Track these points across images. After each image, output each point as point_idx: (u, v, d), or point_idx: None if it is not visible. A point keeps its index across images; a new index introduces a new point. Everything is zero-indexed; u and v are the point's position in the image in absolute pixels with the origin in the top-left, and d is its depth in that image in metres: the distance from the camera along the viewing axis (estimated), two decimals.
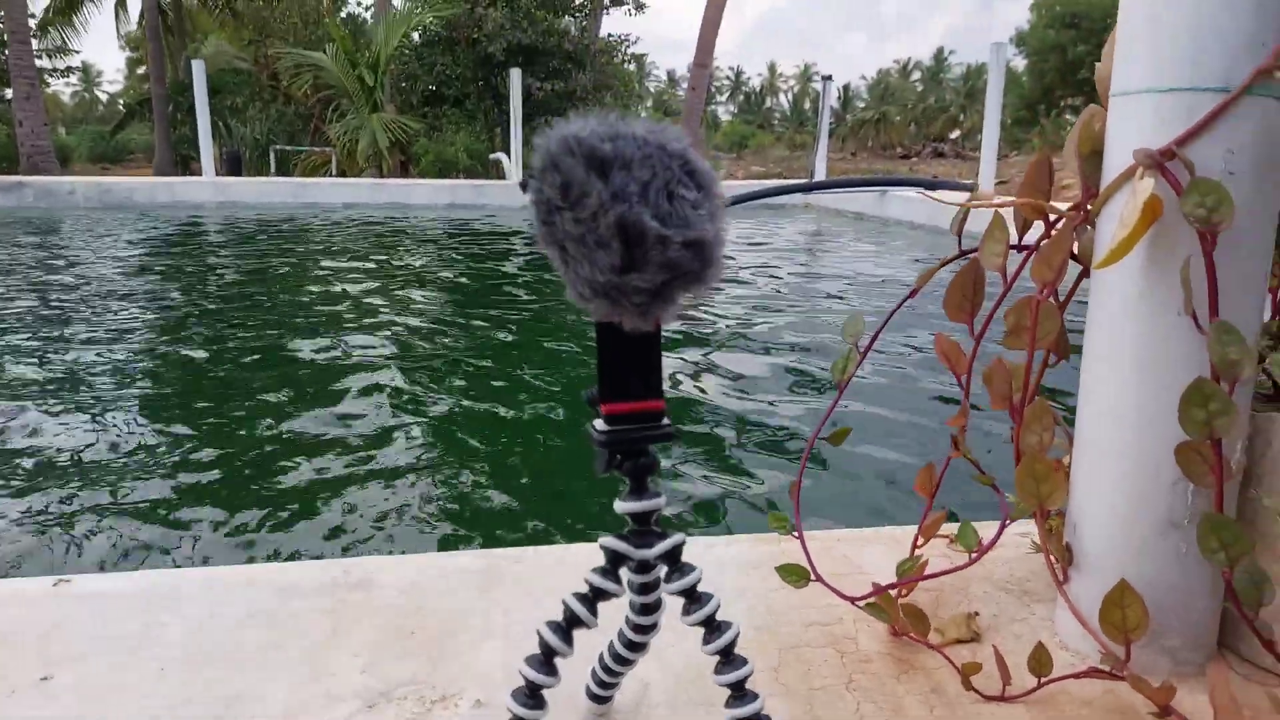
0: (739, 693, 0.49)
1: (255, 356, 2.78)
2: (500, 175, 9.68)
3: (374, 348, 2.89)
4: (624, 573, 0.50)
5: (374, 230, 6.81)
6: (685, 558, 0.50)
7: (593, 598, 0.49)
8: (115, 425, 2.08)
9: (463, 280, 4.54)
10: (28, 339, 2.94)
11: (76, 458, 1.86)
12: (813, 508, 1.62)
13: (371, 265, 4.90)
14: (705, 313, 3.50)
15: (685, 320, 3.31)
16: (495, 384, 2.52)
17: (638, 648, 0.56)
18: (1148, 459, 0.63)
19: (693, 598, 0.49)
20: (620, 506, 0.49)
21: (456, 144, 11.85)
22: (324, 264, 4.96)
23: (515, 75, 9.09)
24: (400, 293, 3.98)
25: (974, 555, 0.71)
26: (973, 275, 0.73)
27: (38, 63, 13.04)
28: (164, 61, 16.82)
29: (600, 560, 0.50)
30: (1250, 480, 0.66)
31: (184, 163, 17.46)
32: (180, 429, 2.07)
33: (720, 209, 0.40)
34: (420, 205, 8.68)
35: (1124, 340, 0.64)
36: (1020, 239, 0.74)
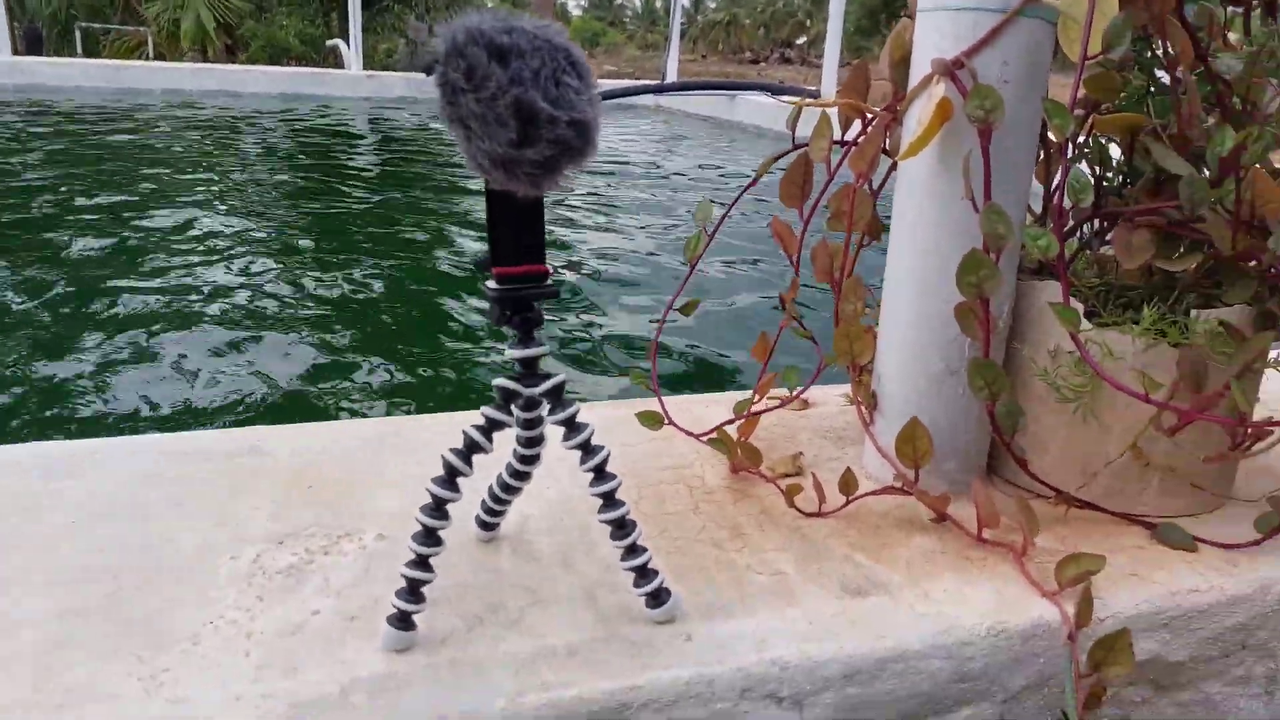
0: (610, 501, 0.60)
1: (100, 248, 2.63)
2: (338, 63, 9.14)
3: (223, 236, 2.79)
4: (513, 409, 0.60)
5: (204, 120, 6.36)
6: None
7: (488, 428, 0.58)
8: None
9: (305, 171, 4.36)
10: None
11: None
12: (669, 378, 1.77)
13: (208, 156, 4.62)
14: (574, 204, 3.56)
15: (560, 203, 3.36)
16: (349, 268, 2.51)
17: (523, 476, 0.66)
18: (934, 318, 0.78)
19: (571, 426, 0.59)
20: (510, 353, 0.58)
21: (288, 28, 11.04)
22: (154, 155, 4.62)
23: None
24: (242, 184, 3.80)
25: (795, 393, 0.85)
26: (802, 166, 0.84)
27: None
28: None
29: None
30: (1015, 336, 0.82)
31: (18, 44, 15.37)
32: (40, 319, 1.97)
33: (597, 97, 0.49)
34: (254, 94, 8.12)
35: (919, 220, 0.77)
36: (843, 135, 0.85)
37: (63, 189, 3.56)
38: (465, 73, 0.44)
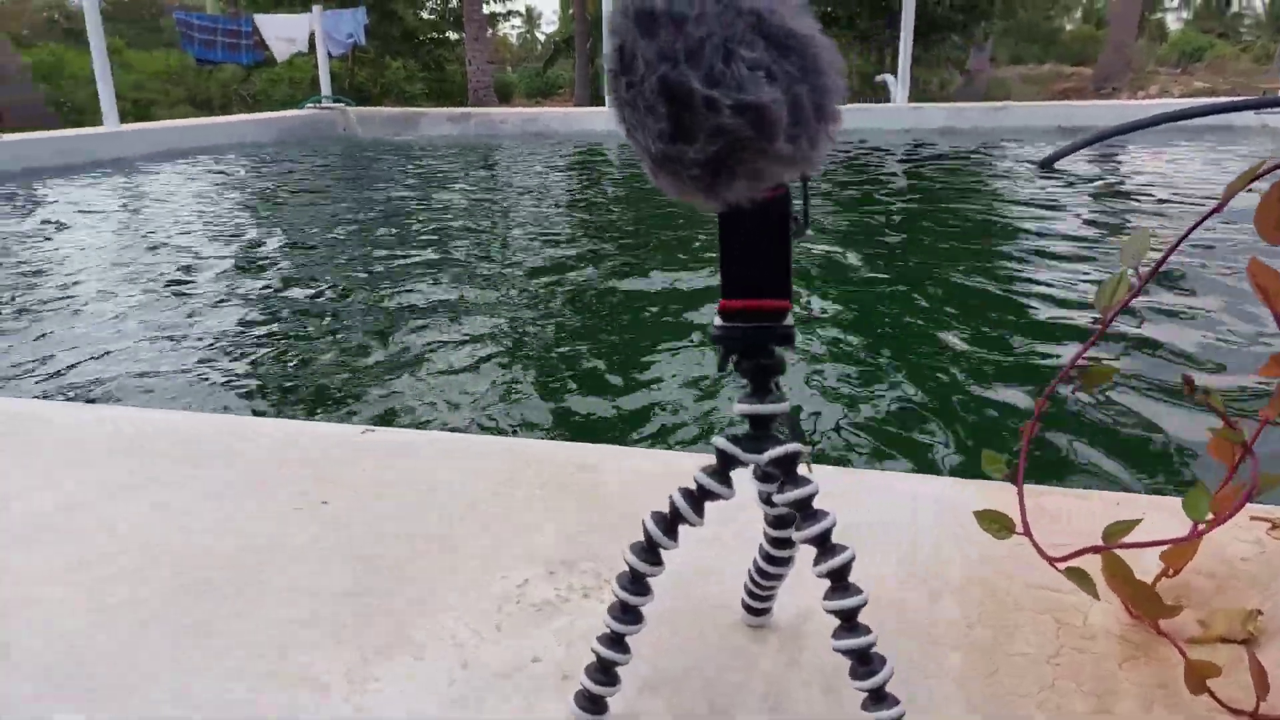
0: (849, 623, 0.45)
1: (630, 266, 3.01)
2: (886, 97, 9.26)
3: None
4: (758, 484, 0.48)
5: None
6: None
7: (699, 496, 0.47)
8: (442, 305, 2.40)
9: (839, 204, 4.47)
10: (466, 234, 3.48)
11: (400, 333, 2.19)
12: (1050, 464, 1.39)
13: None
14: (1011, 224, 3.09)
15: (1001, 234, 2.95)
16: (878, 301, 2.46)
17: (778, 562, 0.54)
18: None
19: (806, 512, 0.45)
20: (737, 408, 0.46)
21: (844, 66, 11.53)
22: None
23: None
24: None
25: (1199, 528, 0.56)
26: None
27: (486, 8, 14.93)
28: None
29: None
30: None
31: (601, 96, 19.10)
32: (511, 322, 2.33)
33: (811, 73, 0.35)
34: None
35: None
36: None
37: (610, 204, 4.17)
38: (617, 52, 0.35)
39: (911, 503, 0.77)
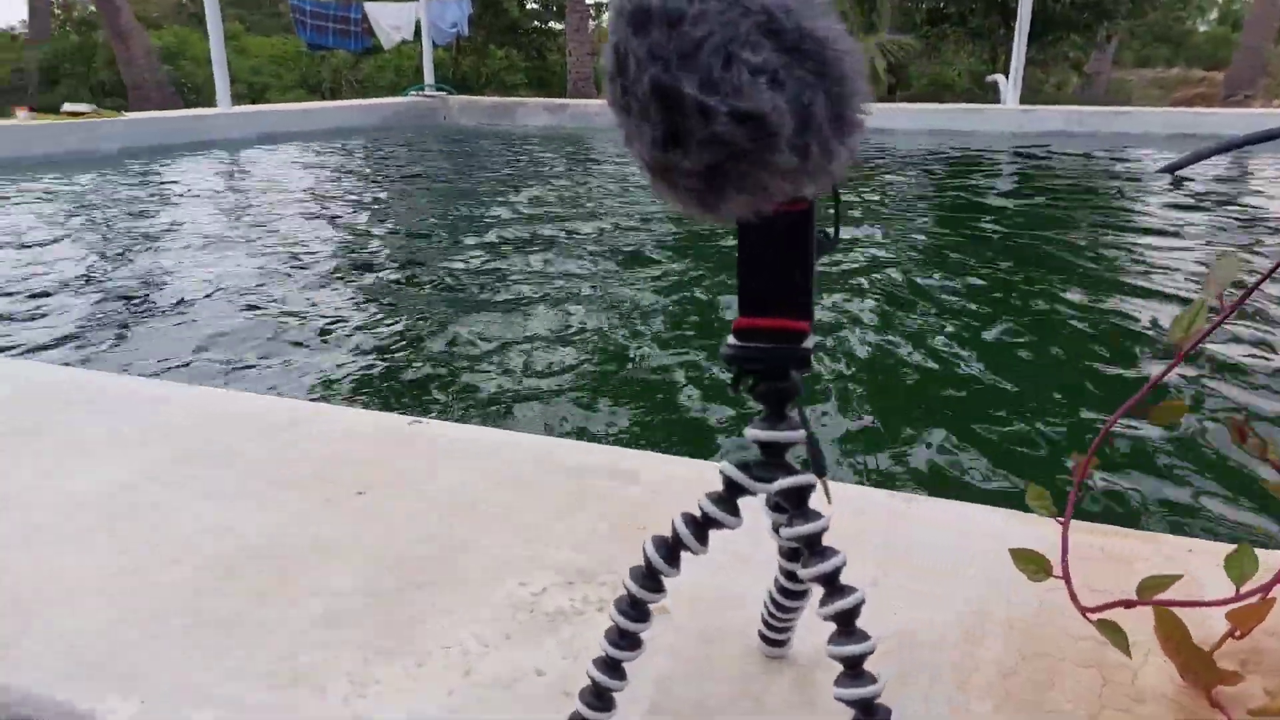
0: (853, 671, 0.42)
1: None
2: (997, 98, 8.91)
3: (862, 262, 2.90)
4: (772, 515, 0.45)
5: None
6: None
7: (703, 523, 0.45)
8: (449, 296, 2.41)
9: (937, 207, 4.33)
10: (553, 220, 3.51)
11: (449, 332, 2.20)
12: (1108, 502, 1.29)
13: (858, 186, 4.90)
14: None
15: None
16: (971, 318, 2.38)
17: (792, 595, 0.51)
18: None
19: (813, 549, 0.42)
20: (750, 433, 0.44)
21: (955, 65, 11.17)
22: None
23: None
24: (884, 216, 3.92)
25: (1241, 592, 0.50)
26: None
27: None
28: None
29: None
30: None
31: None
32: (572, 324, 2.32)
33: (829, 78, 0.32)
34: (905, 131, 8.38)
35: None
36: None
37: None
38: (613, 52, 0.33)
39: (962, 533, 0.73)
